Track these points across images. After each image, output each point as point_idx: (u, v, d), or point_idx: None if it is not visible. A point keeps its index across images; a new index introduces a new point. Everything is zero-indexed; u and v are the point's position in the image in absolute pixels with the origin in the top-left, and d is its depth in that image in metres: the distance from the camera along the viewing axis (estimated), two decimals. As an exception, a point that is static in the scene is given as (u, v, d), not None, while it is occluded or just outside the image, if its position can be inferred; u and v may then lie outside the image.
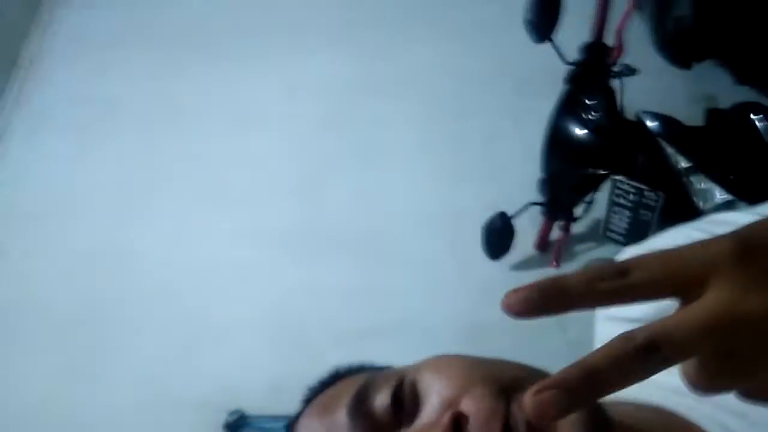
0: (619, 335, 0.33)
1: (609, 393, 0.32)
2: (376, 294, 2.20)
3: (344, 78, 2.65)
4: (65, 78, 2.85)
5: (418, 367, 0.52)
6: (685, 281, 0.34)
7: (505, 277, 2.13)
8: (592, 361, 0.32)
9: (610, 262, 0.36)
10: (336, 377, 0.59)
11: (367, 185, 2.42)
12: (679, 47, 1.85)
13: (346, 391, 0.52)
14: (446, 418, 0.45)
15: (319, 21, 2.81)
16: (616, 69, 1.83)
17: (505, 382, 0.48)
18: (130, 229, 2.43)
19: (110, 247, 2.39)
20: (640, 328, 0.33)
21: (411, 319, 2.13)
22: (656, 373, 0.33)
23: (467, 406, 0.47)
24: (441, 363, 0.52)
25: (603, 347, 0.33)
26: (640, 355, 0.32)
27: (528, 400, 0.32)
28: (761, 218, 0.37)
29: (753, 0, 1.85)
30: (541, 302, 0.34)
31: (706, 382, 0.34)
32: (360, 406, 0.50)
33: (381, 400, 0.50)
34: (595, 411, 0.47)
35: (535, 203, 1.99)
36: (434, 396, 0.49)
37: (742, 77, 2.04)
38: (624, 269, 0.34)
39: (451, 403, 0.47)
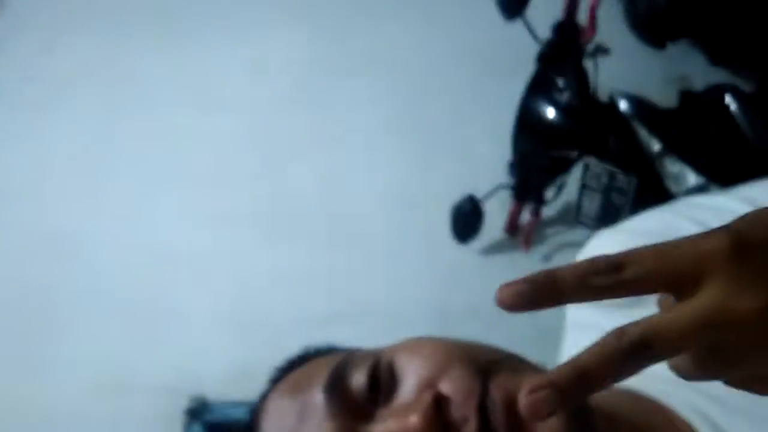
0: (610, 332, 0.33)
1: (601, 389, 0.33)
2: (341, 278, 2.16)
3: (309, 56, 2.59)
4: (13, 56, 2.74)
5: (395, 348, 0.52)
6: (678, 278, 0.35)
7: (474, 261, 2.10)
8: (586, 359, 0.33)
9: (604, 255, 0.35)
10: (306, 357, 0.58)
11: (331, 167, 2.37)
12: (652, 27, 1.81)
13: (321, 371, 0.51)
14: (427, 398, 0.46)
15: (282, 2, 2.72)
16: (588, 49, 1.79)
17: (482, 363, 0.48)
18: (86, 209, 2.35)
19: (65, 229, 2.32)
20: (632, 325, 0.33)
21: (377, 303, 2.10)
22: (646, 367, 0.34)
23: (446, 387, 0.47)
24: (418, 344, 0.51)
25: (595, 345, 0.33)
26: (633, 353, 0.33)
27: (522, 399, 0.33)
28: (754, 210, 0.37)
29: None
30: (534, 296, 0.34)
31: (693, 374, 0.36)
32: (337, 385, 0.50)
33: (358, 379, 0.49)
34: None
35: (505, 186, 1.96)
36: (412, 376, 0.49)
37: (715, 58, 2.01)
38: (618, 264, 0.35)
39: (429, 384, 0.47)
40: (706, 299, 0.33)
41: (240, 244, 2.24)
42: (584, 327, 0.62)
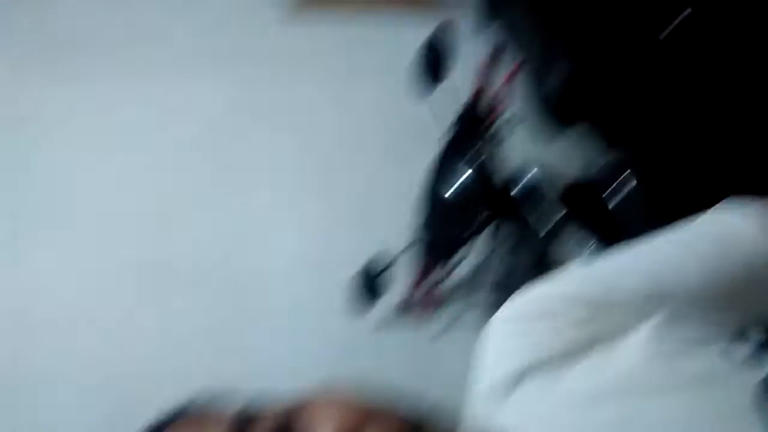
0: None
1: None
2: (231, 340, 2.06)
3: (222, 107, 2.51)
4: None
5: (302, 405, 0.47)
6: None
7: (370, 328, 2.06)
8: None
9: None
10: (191, 412, 0.52)
11: (234, 218, 2.29)
12: (557, 109, 1.92)
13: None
14: None
15: (205, 46, 2.65)
16: (499, 120, 1.87)
17: (402, 425, 0.45)
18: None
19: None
20: None
21: (267, 367, 2.00)
22: None
23: None
24: (328, 402, 0.48)
25: None
26: None
27: None
28: None
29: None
30: None
31: None
32: None
33: None
34: None
35: (411, 249, 1.96)
36: None
37: (612, 140, 2.14)
38: None
39: None
40: None
41: (128, 297, 2.10)
42: None
